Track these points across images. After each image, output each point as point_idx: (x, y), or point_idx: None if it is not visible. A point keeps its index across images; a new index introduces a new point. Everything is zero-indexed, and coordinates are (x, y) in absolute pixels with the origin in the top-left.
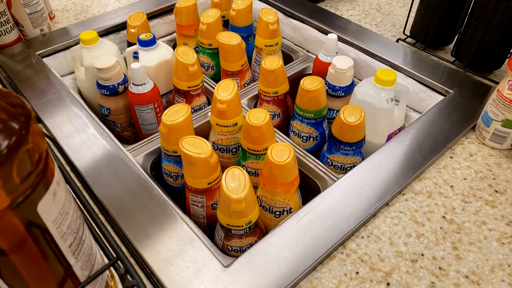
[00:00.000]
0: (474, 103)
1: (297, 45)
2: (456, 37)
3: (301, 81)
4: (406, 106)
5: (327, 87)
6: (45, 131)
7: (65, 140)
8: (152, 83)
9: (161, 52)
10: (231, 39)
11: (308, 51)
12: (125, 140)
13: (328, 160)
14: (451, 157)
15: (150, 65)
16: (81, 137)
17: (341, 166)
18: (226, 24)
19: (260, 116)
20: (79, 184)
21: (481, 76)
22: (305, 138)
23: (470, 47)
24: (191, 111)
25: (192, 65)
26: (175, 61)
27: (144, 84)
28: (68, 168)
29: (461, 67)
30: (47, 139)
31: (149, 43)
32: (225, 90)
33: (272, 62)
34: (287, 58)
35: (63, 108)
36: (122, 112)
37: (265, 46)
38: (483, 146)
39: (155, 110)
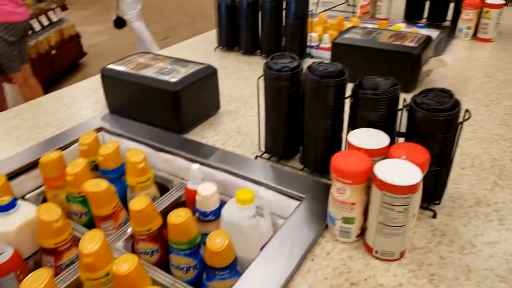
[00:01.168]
0: (323, 204)
1: (171, 175)
2: (301, 148)
3: (168, 216)
4: (273, 214)
5: (198, 214)
6: None
7: None
8: (11, 250)
9: (24, 213)
10: (98, 185)
11: (182, 179)
12: None
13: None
14: (312, 260)
15: (10, 230)
16: None
17: None
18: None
19: (128, 261)
20: None
21: (325, 179)
22: (185, 269)
23: (310, 156)
24: (62, 267)
25: (56, 221)
26: (37, 220)
27: (1, 254)
28: None
29: (309, 173)
30: None
31: (6, 208)
32: (91, 241)
33: (138, 202)
34: (164, 189)
35: None
36: None
37: (137, 183)
38: (336, 242)
39: (17, 279)
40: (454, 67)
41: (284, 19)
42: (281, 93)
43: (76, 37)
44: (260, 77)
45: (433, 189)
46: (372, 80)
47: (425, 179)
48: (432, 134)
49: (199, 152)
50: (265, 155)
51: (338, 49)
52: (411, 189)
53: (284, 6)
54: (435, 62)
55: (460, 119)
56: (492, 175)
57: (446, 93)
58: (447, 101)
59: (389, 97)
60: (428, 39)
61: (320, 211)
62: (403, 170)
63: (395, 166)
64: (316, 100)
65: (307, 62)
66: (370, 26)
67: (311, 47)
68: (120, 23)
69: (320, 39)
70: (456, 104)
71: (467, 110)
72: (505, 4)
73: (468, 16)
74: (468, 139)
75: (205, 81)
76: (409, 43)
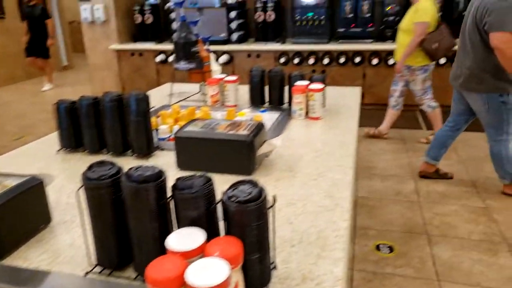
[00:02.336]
0: None
1: None
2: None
3: None
4: None
5: None
6: None
7: None
8: None
9: None
10: None
11: None
12: None
13: None
14: None
15: None
16: None
17: None
18: None
19: None
20: None
21: None
22: None
23: (142, 263)
24: None
25: None
26: None
27: None
28: None
29: (143, 281)
30: None
31: None
32: None
33: None
34: None
35: None
36: None
37: None
38: None
39: None
40: (291, 145)
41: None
42: (103, 201)
43: None
44: (79, 188)
45: (258, 276)
46: (187, 179)
47: (248, 268)
48: (246, 224)
49: (18, 280)
50: (97, 268)
51: (179, 142)
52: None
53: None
54: (267, 146)
55: (269, 205)
56: (316, 247)
57: (252, 184)
58: (253, 191)
59: (204, 193)
60: (260, 125)
61: None
62: (213, 269)
63: (206, 266)
64: (138, 205)
65: (156, 156)
66: (220, 113)
67: (162, 139)
68: None
69: (171, 131)
70: (261, 193)
71: (274, 197)
72: None
73: (298, 100)
74: (299, 214)
75: (27, 196)
76: (243, 131)
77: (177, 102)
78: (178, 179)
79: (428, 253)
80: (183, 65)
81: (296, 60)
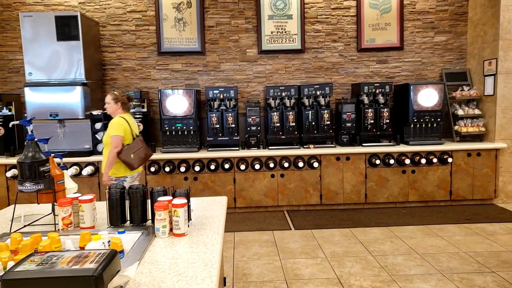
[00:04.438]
0: None
1: None
2: None
3: None
4: None
5: None
6: None
7: None
8: None
9: None
10: None
11: None
12: None
13: None
14: None
15: None
16: None
17: None
18: None
19: None
20: None
21: None
22: None
23: None
24: None
25: None
26: None
27: None
28: None
29: None
30: None
31: None
32: None
33: None
34: None
35: None
36: None
37: None
38: None
39: None
40: (151, 270)
41: None
42: None
43: None
44: None
45: None
46: None
47: None
48: None
49: None
50: None
51: (8, 286)
52: None
53: None
54: (119, 278)
55: None
56: None
57: None
58: None
59: None
60: (112, 254)
61: None
62: None
63: None
64: None
65: None
66: (72, 239)
67: None
68: None
69: (5, 268)
70: None
71: None
72: None
73: (161, 217)
74: None
75: None
76: (89, 265)
77: (20, 229)
78: None
79: None
80: (28, 187)
81: (167, 168)
